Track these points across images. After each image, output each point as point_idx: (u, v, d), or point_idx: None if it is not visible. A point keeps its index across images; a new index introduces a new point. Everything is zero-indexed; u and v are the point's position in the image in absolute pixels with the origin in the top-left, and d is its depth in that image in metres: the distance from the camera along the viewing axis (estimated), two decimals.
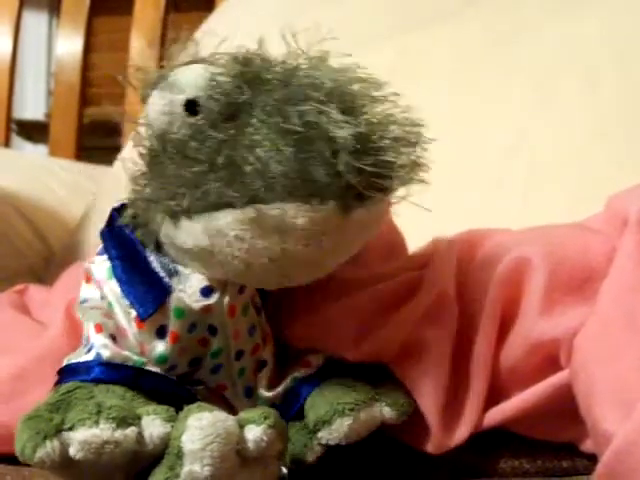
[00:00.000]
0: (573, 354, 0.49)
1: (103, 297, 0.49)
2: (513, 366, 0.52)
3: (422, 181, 0.45)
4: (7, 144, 1.57)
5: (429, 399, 0.51)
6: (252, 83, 0.45)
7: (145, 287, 0.48)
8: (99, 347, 0.49)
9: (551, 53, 0.87)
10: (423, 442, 0.51)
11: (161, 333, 0.49)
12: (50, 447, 0.43)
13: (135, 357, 0.49)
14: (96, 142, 1.64)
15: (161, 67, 0.49)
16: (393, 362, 0.52)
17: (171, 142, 0.46)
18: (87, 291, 0.51)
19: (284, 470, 0.49)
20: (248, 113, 0.44)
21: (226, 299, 0.48)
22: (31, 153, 2.20)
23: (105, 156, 1.38)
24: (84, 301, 0.51)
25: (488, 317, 0.52)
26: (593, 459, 0.46)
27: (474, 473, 0.52)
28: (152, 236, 0.49)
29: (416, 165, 0.45)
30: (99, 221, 0.52)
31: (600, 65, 0.82)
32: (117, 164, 1.25)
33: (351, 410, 0.49)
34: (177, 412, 0.45)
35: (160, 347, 0.49)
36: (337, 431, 0.49)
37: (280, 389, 0.52)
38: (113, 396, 0.46)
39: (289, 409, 0.51)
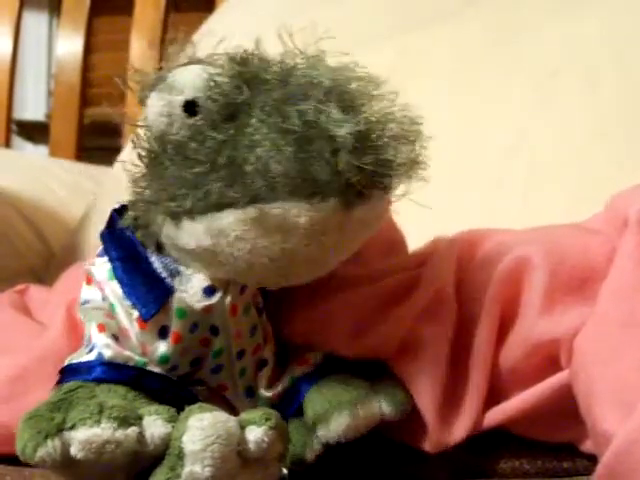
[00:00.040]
0: (573, 354, 0.49)
1: (104, 298, 0.49)
2: (513, 366, 0.52)
3: (422, 178, 0.45)
4: (7, 145, 1.58)
5: (426, 396, 0.51)
6: (250, 83, 0.45)
7: (147, 288, 0.48)
8: (101, 347, 0.49)
9: (551, 53, 0.87)
10: (420, 440, 0.51)
11: (163, 333, 0.49)
12: (51, 446, 0.43)
13: (137, 357, 0.49)
14: (96, 143, 1.64)
15: (159, 68, 0.49)
16: (391, 359, 0.52)
17: (171, 143, 0.46)
18: (88, 293, 0.51)
19: (284, 471, 0.49)
20: (247, 113, 0.44)
21: (228, 299, 0.48)
22: (31, 154, 2.20)
23: (105, 157, 1.38)
24: (85, 302, 0.51)
25: (488, 315, 0.52)
26: (593, 459, 0.46)
27: (474, 474, 0.52)
28: (153, 237, 0.49)
29: (415, 163, 0.45)
30: (99, 222, 0.52)
31: (600, 65, 0.82)
32: (117, 165, 1.25)
33: (349, 406, 0.49)
34: (178, 412, 0.45)
35: (162, 347, 0.49)
36: (335, 428, 0.49)
37: (279, 388, 0.52)
38: (115, 396, 0.46)
39: (289, 407, 0.52)
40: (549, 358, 0.51)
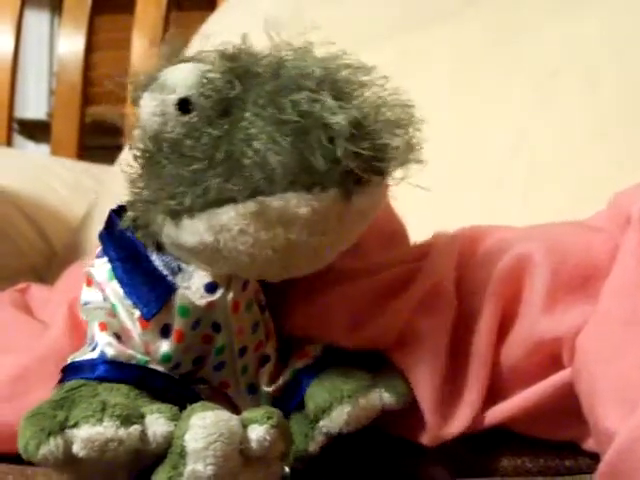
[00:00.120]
0: (575, 353, 0.49)
1: (105, 299, 0.49)
2: (514, 365, 0.52)
3: (418, 161, 0.45)
4: (9, 143, 1.57)
5: (425, 386, 0.51)
6: (242, 78, 0.45)
7: (148, 287, 0.48)
8: (103, 345, 0.49)
9: (551, 53, 0.87)
10: (419, 434, 0.51)
11: (165, 332, 0.49)
12: (54, 444, 0.43)
13: (139, 356, 0.49)
14: (98, 141, 1.63)
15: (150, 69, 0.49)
16: (390, 350, 0.52)
17: (166, 142, 0.46)
18: (89, 294, 0.51)
19: (287, 469, 0.49)
20: (241, 108, 0.44)
21: (230, 295, 0.49)
22: (33, 152, 2.20)
23: (107, 155, 1.38)
24: (86, 303, 0.51)
25: (488, 311, 0.52)
26: (596, 458, 0.46)
27: (476, 472, 0.52)
28: (153, 237, 0.49)
29: (410, 146, 0.45)
30: (101, 220, 0.52)
31: (600, 65, 0.82)
32: (119, 163, 1.26)
33: (350, 397, 0.49)
34: (181, 411, 0.45)
35: (165, 346, 0.49)
36: (337, 419, 0.49)
37: (280, 382, 0.52)
38: (117, 394, 0.46)
39: (290, 401, 0.52)
40: (551, 356, 0.51)
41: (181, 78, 0.47)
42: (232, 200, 0.43)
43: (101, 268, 0.50)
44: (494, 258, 0.53)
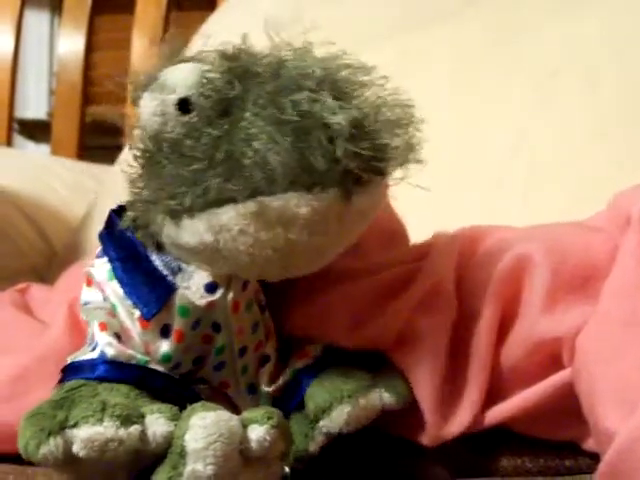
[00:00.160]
0: (575, 353, 0.49)
1: (105, 299, 0.49)
2: (514, 365, 0.52)
3: (417, 161, 0.45)
4: (9, 143, 1.57)
5: (425, 386, 0.51)
6: (242, 78, 0.45)
7: (148, 287, 0.48)
8: (104, 345, 0.49)
9: (551, 53, 0.87)
10: (418, 434, 0.51)
11: (165, 332, 0.49)
12: (54, 444, 0.43)
13: (139, 356, 0.49)
14: (98, 141, 1.63)
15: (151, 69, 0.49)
16: (390, 350, 0.52)
17: (166, 142, 0.46)
18: (88, 294, 0.51)
19: (287, 470, 0.49)
20: (240, 108, 0.44)
21: (230, 295, 0.49)
22: (33, 152, 2.20)
23: (107, 155, 1.38)
24: (86, 304, 0.51)
25: (488, 311, 0.52)
26: (596, 458, 0.46)
27: (476, 472, 0.52)
28: (153, 237, 0.49)
29: (410, 146, 0.45)
30: (101, 220, 0.52)
31: (600, 65, 0.82)
32: (119, 163, 1.25)
33: (350, 397, 0.49)
34: (181, 411, 0.45)
35: (165, 346, 0.49)
36: (337, 418, 0.49)
37: (280, 382, 0.52)
38: (117, 394, 0.46)
39: (290, 401, 0.52)
40: (551, 357, 0.51)
41: (181, 78, 0.47)
42: (232, 200, 0.43)
43: (101, 268, 0.50)
44: (494, 258, 0.53)
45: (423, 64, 0.95)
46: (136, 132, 0.48)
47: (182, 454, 0.43)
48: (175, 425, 0.44)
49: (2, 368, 0.58)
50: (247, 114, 0.44)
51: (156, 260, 0.49)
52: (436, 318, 0.52)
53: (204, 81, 0.46)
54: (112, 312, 0.49)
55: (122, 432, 0.43)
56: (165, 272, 0.49)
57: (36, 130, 2.35)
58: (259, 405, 0.51)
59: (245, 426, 0.45)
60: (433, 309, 0.53)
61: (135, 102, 0.49)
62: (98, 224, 0.53)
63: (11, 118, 1.58)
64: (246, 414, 0.46)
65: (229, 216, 0.43)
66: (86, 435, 0.43)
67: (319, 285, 0.53)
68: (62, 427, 0.43)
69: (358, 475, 0.53)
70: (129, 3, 1.53)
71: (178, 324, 0.48)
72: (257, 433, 0.45)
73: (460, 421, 0.51)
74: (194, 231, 0.45)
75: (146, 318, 0.48)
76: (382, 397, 0.50)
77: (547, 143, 0.81)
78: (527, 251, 0.52)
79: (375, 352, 0.53)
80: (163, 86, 0.47)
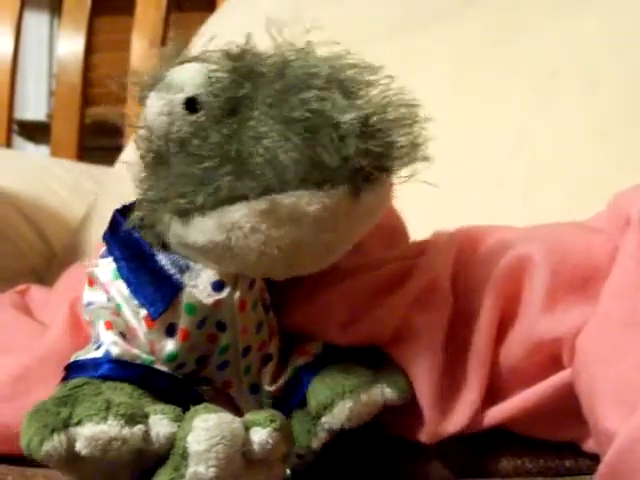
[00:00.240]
0: (575, 353, 0.49)
1: (110, 299, 0.49)
2: (514, 365, 0.52)
3: (425, 159, 0.45)
4: (8, 144, 1.57)
5: (423, 381, 0.51)
6: (249, 77, 0.46)
7: (154, 286, 0.48)
8: (109, 344, 0.49)
9: (551, 53, 0.87)
10: (417, 432, 0.51)
11: (171, 331, 0.49)
12: (57, 441, 0.43)
13: (144, 355, 0.49)
14: (97, 142, 1.64)
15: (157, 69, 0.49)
16: (387, 347, 0.53)
17: (174, 142, 0.46)
18: (91, 295, 0.51)
19: (288, 472, 0.49)
20: (248, 107, 0.45)
21: (237, 294, 0.49)
22: (32, 154, 2.20)
23: (106, 156, 1.38)
24: (89, 304, 0.51)
25: (488, 309, 0.52)
26: (596, 459, 0.46)
27: (476, 473, 0.52)
28: (158, 237, 0.49)
29: (416, 144, 0.45)
30: (100, 221, 0.52)
31: (600, 65, 0.82)
32: (118, 164, 1.25)
33: (351, 392, 0.49)
34: (183, 412, 0.45)
35: (170, 345, 0.49)
36: (339, 414, 0.49)
37: (281, 381, 0.52)
38: (121, 394, 0.46)
39: (292, 399, 0.52)
40: (551, 357, 0.51)
41: (188, 77, 0.47)
42: (244, 198, 0.43)
43: (105, 268, 0.50)
44: (494, 257, 0.53)
45: (423, 64, 0.95)
46: (142, 132, 0.48)
47: (184, 456, 0.43)
48: (178, 426, 0.44)
49: (3, 368, 0.58)
50: (256, 113, 0.44)
51: (162, 259, 0.49)
52: (432, 314, 0.53)
53: (212, 80, 0.46)
54: (117, 312, 0.49)
55: (126, 431, 0.43)
56: (172, 270, 0.49)
57: (36, 131, 2.35)
58: (261, 405, 0.52)
59: (247, 428, 0.45)
60: (429, 305, 0.53)
61: (141, 102, 0.49)
62: (97, 225, 0.53)
63: (11, 119, 1.58)
64: (248, 416, 0.46)
65: (241, 214, 0.44)
66: (90, 433, 0.43)
67: (321, 284, 0.53)
68: (66, 424, 0.43)
69: (358, 476, 0.53)
70: (129, 4, 1.53)
71: (184, 323, 0.48)
72: (259, 436, 0.45)
73: (459, 418, 0.51)
74: (204, 229, 0.45)
75: (153, 317, 0.48)
76: (384, 392, 0.50)
77: (547, 143, 0.82)
78: (527, 251, 0.52)
79: (376, 349, 0.53)
80: (170, 85, 0.47)
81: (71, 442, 0.43)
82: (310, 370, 0.52)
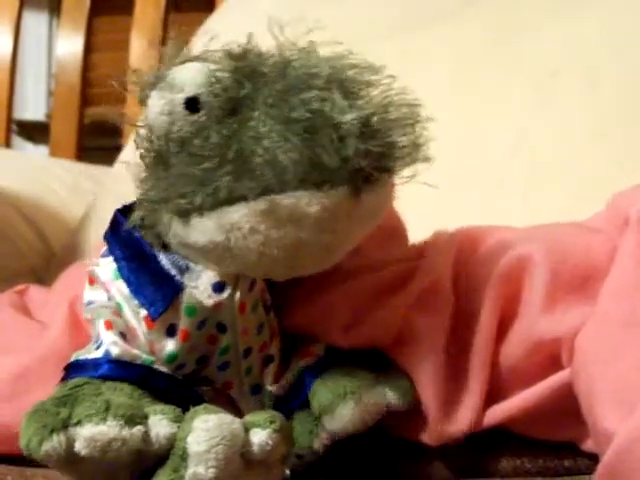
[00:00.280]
0: (574, 353, 0.49)
1: (110, 298, 0.49)
2: (514, 365, 0.52)
3: (426, 159, 0.45)
4: (8, 144, 1.58)
5: (427, 384, 0.51)
6: (250, 77, 0.46)
7: (154, 286, 0.48)
8: (109, 344, 0.49)
9: (551, 53, 0.87)
10: (421, 433, 0.51)
11: (171, 332, 0.49)
12: (57, 441, 0.43)
13: (144, 356, 0.49)
14: (97, 142, 1.64)
15: (157, 68, 0.49)
16: (389, 349, 0.52)
17: (174, 141, 0.46)
18: (92, 294, 0.51)
19: (287, 472, 0.49)
20: (249, 107, 0.45)
21: (237, 295, 0.49)
22: (32, 154, 2.20)
23: (106, 156, 1.38)
24: (89, 303, 0.51)
25: (488, 309, 0.52)
26: (595, 459, 0.46)
27: (475, 472, 0.52)
28: (159, 237, 0.49)
29: (417, 145, 0.45)
30: (100, 221, 0.52)
31: (600, 65, 0.82)
32: (118, 164, 1.25)
33: (353, 393, 0.49)
34: (183, 413, 0.45)
35: (170, 345, 0.49)
36: (341, 416, 0.49)
37: (284, 382, 0.52)
38: (121, 394, 0.46)
39: (294, 400, 0.52)
40: (550, 357, 0.51)
41: (189, 77, 0.47)
42: (243, 199, 0.43)
43: (106, 267, 0.50)
44: (495, 257, 0.53)
45: (423, 64, 0.95)
46: (143, 131, 0.48)
47: (184, 456, 0.43)
48: (178, 427, 0.44)
49: (3, 367, 0.58)
50: (256, 113, 0.44)
51: (163, 259, 0.49)
52: (434, 316, 0.52)
53: (213, 80, 0.46)
54: (117, 311, 0.49)
55: (125, 432, 0.43)
56: (173, 271, 0.49)
57: (35, 131, 2.35)
58: (262, 406, 0.52)
59: (247, 429, 0.45)
60: (431, 307, 0.53)
61: (142, 101, 0.49)
62: (97, 225, 0.53)
63: (10, 119, 1.58)
64: (248, 418, 0.46)
65: (240, 214, 0.43)
66: (89, 434, 0.43)
67: (322, 284, 0.53)
68: (65, 425, 0.43)
69: (359, 476, 0.53)
70: (128, 4, 1.53)
71: (184, 324, 0.48)
72: (259, 437, 0.45)
73: (462, 421, 0.51)
74: (204, 230, 0.45)
75: (153, 317, 0.48)
76: (386, 395, 0.50)
77: (547, 143, 0.82)
78: (527, 251, 0.52)
79: (379, 353, 0.53)
80: (171, 85, 0.47)
81: (70, 442, 0.43)
82: (312, 372, 0.52)
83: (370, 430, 0.50)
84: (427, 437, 0.51)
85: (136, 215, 0.48)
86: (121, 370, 0.48)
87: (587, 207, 0.58)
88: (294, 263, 0.46)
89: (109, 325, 0.49)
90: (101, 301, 0.50)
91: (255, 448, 0.44)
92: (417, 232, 0.60)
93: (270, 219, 0.43)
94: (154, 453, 0.44)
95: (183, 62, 0.48)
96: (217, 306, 0.48)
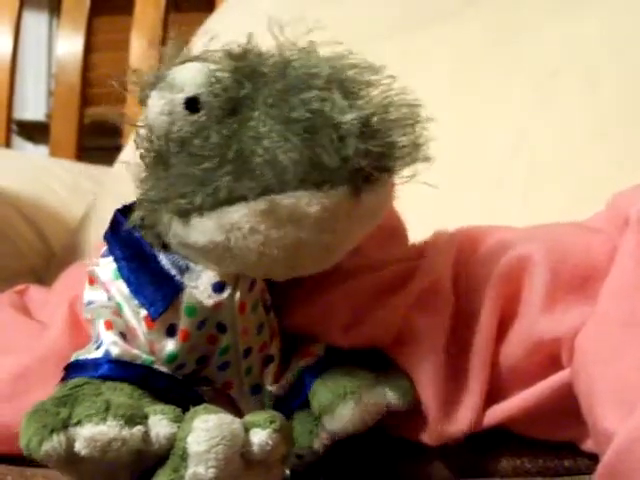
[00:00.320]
0: (574, 353, 0.49)
1: (110, 298, 0.49)
2: (514, 365, 0.52)
3: (426, 159, 0.45)
4: (8, 144, 1.58)
5: (427, 384, 0.51)
6: (250, 77, 0.45)
7: (154, 286, 0.48)
8: (109, 344, 0.49)
9: (551, 53, 0.87)
10: (421, 433, 0.51)
11: (171, 332, 0.48)
12: (57, 441, 0.43)
13: (144, 356, 0.49)
14: (97, 142, 1.64)
15: (157, 68, 0.49)
16: (389, 349, 0.52)
17: (174, 141, 0.46)
18: (92, 294, 0.51)
19: (287, 472, 0.49)
20: (249, 107, 0.44)
21: (237, 295, 0.48)
22: (32, 154, 2.20)
23: (106, 156, 1.38)
24: (90, 303, 0.51)
25: (488, 310, 0.52)
26: (595, 458, 0.46)
27: (475, 473, 0.52)
28: (159, 237, 0.49)
29: (418, 145, 0.45)
30: (99, 221, 0.52)
31: (600, 65, 0.82)
32: (117, 164, 1.25)
33: (353, 394, 0.49)
34: (183, 412, 0.45)
35: (170, 345, 0.49)
36: (341, 416, 0.49)
37: (284, 382, 0.52)
38: (121, 394, 0.46)
39: (294, 400, 0.52)
40: (550, 357, 0.51)
41: (189, 77, 0.47)
42: (243, 199, 0.43)
43: (106, 267, 0.50)
44: (494, 257, 0.53)
45: (423, 64, 0.95)
46: (143, 131, 0.48)
47: (184, 456, 0.43)
48: (178, 427, 0.44)
49: (3, 367, 0.58)
50: (256, 113, 0.44)
51: (163, 259, 0.49)
52: (434, 316, 0.52)
53: (213, 80, 0.46)
54: (117, 311, 0.49)
55: (125, 432, 0.43)
56: (173, 271, 0.49)
57: (35, 131, 2.35)
58: (262, 406, 0.52)
59: (247, 429, 0.45)
60: (431, 307, 0.53)
61: (142, 101, 0.49)
62: (96, 225, 0.53)
63: (10, 119, 1.58)
64: (248, 417, 0.46)
65: (240, 214, 0.43)
66: (89, 434, 0.43)
67: (322, 284, 0.53)
68: (65, 425, 0.43)
69: (358, 476, 0.53)
70: (128, 4, 1.53)
71: (184, 324, 0.48)
72: (259, 437, 0.45)
73: (462, 421, 0.51)
74: (204, 230, 0.45)
75: (152, 318, 0.48)
76: (386, 395, 0.50)
77: (547, 143, 0.82)
78: (527, 251, 0.52)
79: (379, 352, 0.53)
80: (171, 85, 0.47)
81: (70, 443, 0.43)
82: (312, 372, 0.51)
83: (370, 430, 0.50)
84: (427, 437, 0.51)
85: (136, 215, 0.48)
86: (121, 370, 0.48)
87: (587, 207, 0.58)
88: (294, 263, 0.46)
89: (109, 325, 0.49)
90: (101, 301, 0.50)
91: (255, 448, 0.44)
92: (417, 232, 0.60)
93: (270, 219, 0.43)
94: (154, 453, 0.44)
95: (183, 62, 0.48)
96: (217, 306, 0.48)
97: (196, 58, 0.48)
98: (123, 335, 0.49)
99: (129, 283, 0.49)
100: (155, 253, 0.49)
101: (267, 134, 0.43)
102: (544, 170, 0.80)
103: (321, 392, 0.50)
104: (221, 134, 0.44)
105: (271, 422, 0.45)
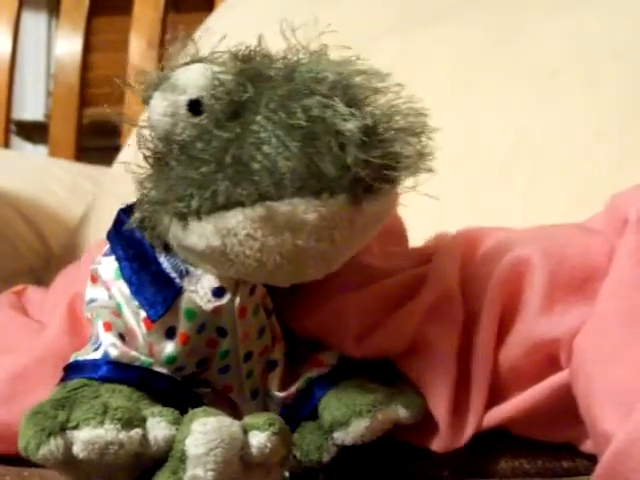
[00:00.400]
0: (573, 354, 0.49)
1: (111, 297, 0.49)
2: (513, 366, 0.52)
3: (429, 170, 0.45)
4: (7, 145, 1.57)
5: (438, 397, 0.51)
6: (254, 80, 0.45)
7: (155, 288, 0.48)
8: (107, 346, 0.49)
9: (551, 53, 0.87)
10: (430, 441, 0.51)
11: (170, 334, 0.48)
12: (54, 445, 0.43)
13: (143, 357, 0.49)
14: (96, 142, 1.64)
15: (161, 68, 0.48)
16: (401, 360, 0.52)
17: (176, 143, 0.46)
18: (94, 292, 0.51)
19: (286, 474, 0.49)
20: (252, 111, 0.44)
21: (237, 300, 0.48)
22: (31, 154, 2.20)
23: (104, 157, 1.38)
24: (91, 301, 0.51)
25: (488, 314, 0.52)
26: (593, 459, 0.46)
27: (474, 473, 0.52)
28: (160, 238, 0.48)
29: (422, 155, 0.45)
30: (98, 222, 0.52)
31: (600, 65, 0.82)
32: (116, 165, 1.25)
33: (368, 411, 0.49)
34: (182, 414, 0.45)
35: (169, 348, 0.48)
36: (354, 432, 0.49)
37: (293, 389, 0.52)
38: (119, 396, 0.46)
39: (302, 409, 0.52)
40: (549, 358, 0.51)
41: (192, 79, 0.47)
42: (240, 204, 0.43)
43: (108, 266, 0.50)
44: (493, 260, 0.53)
45: (423, 64, 0.95)
46: (145, 132, 0.48)
47: (182, 459, 0.43)
48: (177, 429, 0.44)
49: (2, 367, 0.58)
50: (258, 117, 0.44)
51: (164, 262, 0.49)
52: (446, 324, 0.52)
53: (216, 83, 0.46)
54: (117, 311, 0.49)
55: (123, 435, 0.43)
56: (173, 274, 0.48)
57: (34, 131, 2.36)
58: (262, 410, 0.51)
59: (246, 432, 0.45)
60: (444, 315, 0.53)
61: (146, 101, 0.48)
62: (95, 225, 0.53)
63: (9, 120, 1.58)
64: (247, 420, 0.46)
65: (237, 220, 0.43)
66: (87, 437, 0.43)
67: (329, 287, 0.52)
68: (63, 428, 0.43)
69: (358, 476, 0.53)
70: (126, 4, 1.53)
71: (183, 327, 0.48)
72: (258, 439, 0.44)
73: (470, 428, 0.51)
74: (201, 234, 0.45)
75: (152, 320, 0.48)
76: (398, 412, 0.50)
77: (547, 143, 0.82)
78: (526, 253, 0.52)
79: (389, 362, 0.53)
80: (174, 86, 0.47)
81: (68, 446, 0.43)
82: (324, 382, 0.51)
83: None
84: (436, 446, 0.51)
85: (136, 216, 0.48)
86: (120, 372, 0.48)
87: (587, 207, 0.58)
88: (294, 270, 0.45)
89: (108, 327, 0.49)
90: (102, 299, 0.50)
91: (254, 450, 0.44)
92: (417, 232, 0.60)
93: (267, 226, 0.43)
94: (152, 456, 0.44)
95: (187, 63, 0.48)
96: (217, 311, 0.48)
97: (201, 59, 0.48)
98: (122, 336, 0.49)
99: (130, 284, 0.49)
100: (156, 255, 0.49)
101: (267, 140, 0.43)
102: (544, 170, 0.80)
103: (334, 405, 0.50)
104: (222, 138, 0.44)
105: (270, 424, 0.45)
